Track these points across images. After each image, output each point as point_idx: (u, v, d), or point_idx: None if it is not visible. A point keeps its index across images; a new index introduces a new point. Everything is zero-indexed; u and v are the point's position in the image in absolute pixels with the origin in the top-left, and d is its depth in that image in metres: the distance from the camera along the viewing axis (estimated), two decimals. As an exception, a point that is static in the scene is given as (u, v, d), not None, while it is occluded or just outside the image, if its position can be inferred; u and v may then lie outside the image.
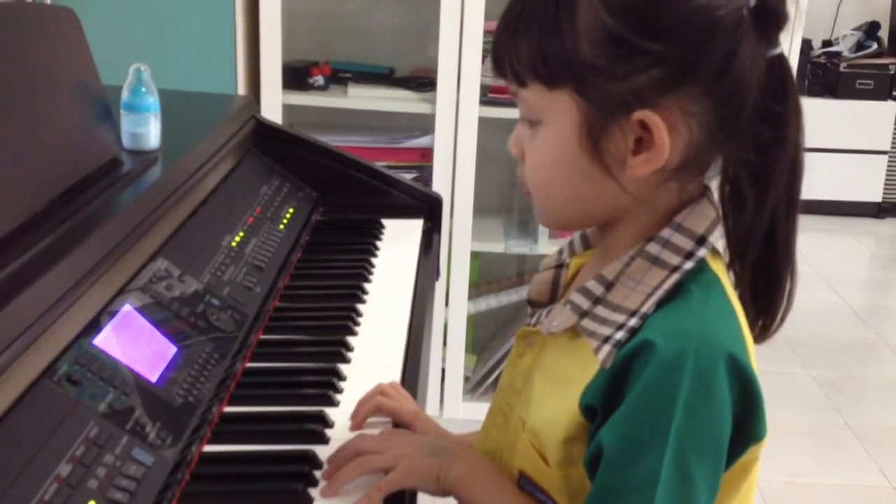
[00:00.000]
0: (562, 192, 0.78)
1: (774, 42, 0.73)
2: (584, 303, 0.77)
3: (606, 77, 0.71)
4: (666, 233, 0.76)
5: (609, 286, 0.76)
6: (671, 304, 0.74)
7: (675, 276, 0.74)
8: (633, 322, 0.74)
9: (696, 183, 0.76)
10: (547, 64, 0.73)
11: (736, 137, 0.73)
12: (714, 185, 0.79)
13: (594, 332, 0.75)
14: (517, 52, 0.74)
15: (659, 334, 0.71)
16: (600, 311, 0.76)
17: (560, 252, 0.90)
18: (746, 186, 0.76)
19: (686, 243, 0.75)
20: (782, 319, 0.82)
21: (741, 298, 0.78)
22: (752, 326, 0.78)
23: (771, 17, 0.72)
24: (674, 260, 0.75)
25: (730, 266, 0.79)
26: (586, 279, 0.79)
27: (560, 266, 0.89)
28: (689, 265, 0.75)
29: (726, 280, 0.78)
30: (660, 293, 0.74)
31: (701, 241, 0.75)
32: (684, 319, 0.72)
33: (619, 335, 0.73)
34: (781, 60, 0.74)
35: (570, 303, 0.78)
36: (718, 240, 0.77)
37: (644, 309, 0.74)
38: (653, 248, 0.75)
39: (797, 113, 0.76)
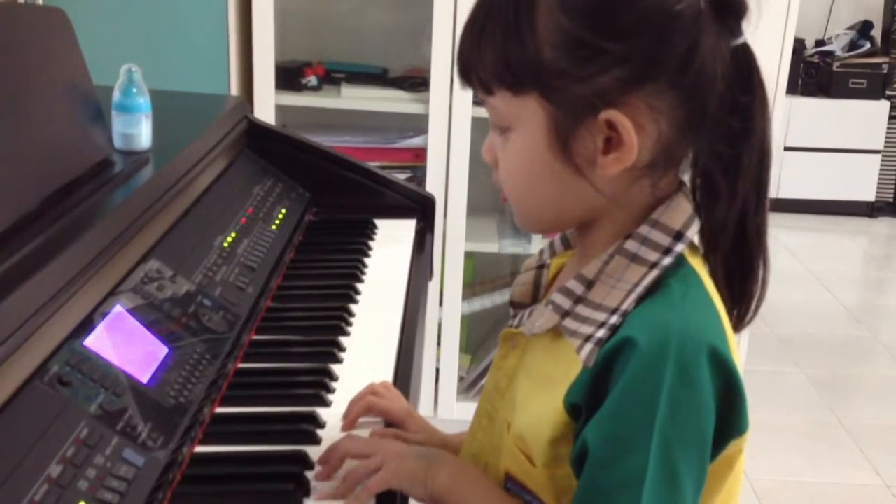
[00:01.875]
0: (536, 196, 0.78)
1: (737, 32, 0.73)
2: (566, 302, 0.77)
3: (570, 80, 0.71)
4: (643, 229, 0.76)
5: (589, 285, 0.76)
6: (651, 299, 0.74)
7: (655, 272, 0.74)
8: (613, 319, 0.74)
9: (670, 178, 0.77)
10: (511, 70, 0.73)
11: (705, 130, 0.73)
12: (686, 178, 0.79)
13: (576, 331, 0.75)
14: (482, 60, 0.75)
15: (640, 330, 0.71)
16: (581, 310, 0.76)
17: (541, 253, 0.91)
18: (719, 178, 0.76)
19: (664, 239, 0.75)
20: (757, 309, 0.82)
21: (716, 289, 0.78)
22: (727, 317, 0.78)
23: (730, 7, 0.72)
24: (652, 256, 0.75)
25: (705, 258, 0.79)
26: (567, 279, 0.79)
27: (541, 267, 0.89)
28: (667, 261, 0.75)
29: (705, 274, 0.78)
30: (640, 290, 0.74)
31: (678, 236, 0.75)
32: (665, 315, 0.72)
33: (601, 333, 0.74)
34: (746, 50, 0.74)
35: (551, 303, 0.78)
36: (695, 235, 0.77)
37: (624, 306, 0.74)
38: (631, 245, 0.76)
39: (763, 102, 0.76)
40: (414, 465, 0.85)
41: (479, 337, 2.63)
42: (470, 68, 0.76)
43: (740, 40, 0.74)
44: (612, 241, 0.77)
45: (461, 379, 2.53)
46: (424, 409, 2.44)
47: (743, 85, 0.74)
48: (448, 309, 2.42)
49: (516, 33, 0.72)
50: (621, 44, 0.70)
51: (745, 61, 0.74)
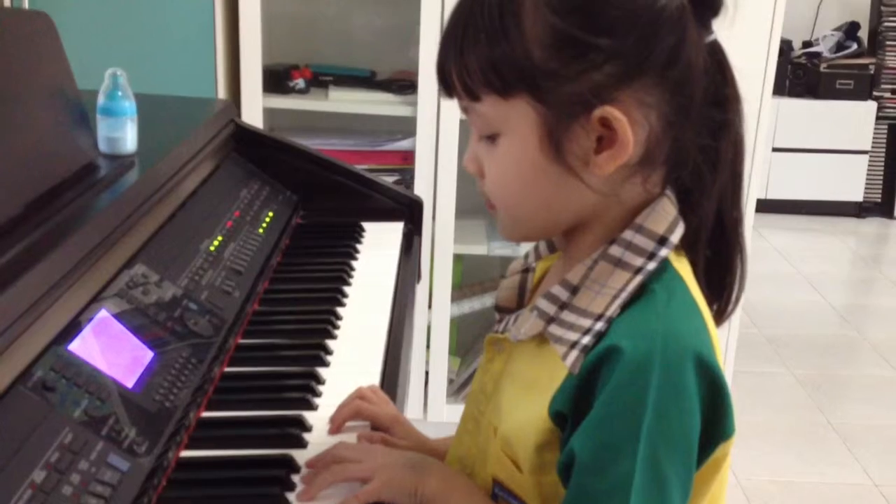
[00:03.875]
0: (529, 202, 0.77)
1: (710, 28, 0.75)
2: (551, 308, 0.77)
3: (562, 78, 0.71)
4: (628, 234, 0.76)
5: (574, 290, 0.76)
6: (636, 305, 0.74)
7: (639, 278, 0.74)
8: (599, 326, 0.73)
9: (658, 175, 0.76)
10: (499, 73, 0.73)
11: (691, 123, 0.74)
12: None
13: (561, 337, 0.75)
14: (466, 67, 0.74)
15: (625, 338, 0.71)
16: (567, 316, 0.76)
17: (526, 257, 0.90)
18: (705, 171, 0.76)
19: (647, 244, 0.75)
20: (736, 301, 0.83)
21: (697, 285, 0.78)
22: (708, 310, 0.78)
23: (709, 5, 0.73)
24: (636, 261, 0.75)
25: (687, 254, 0.79)
26: (552, 284, 0.78)
27: (526, 271, 0.89)
28: (651, 266, 0.75)
29: (690, 278, 0.78)
30: (624, 295, 0.74)
31: (662, 241, 0.75)
32: (649, 321, 0.72)
33: (586, 340, 0.73)
34: (717, 46, 0.76)
35: (536, 309, 0.78)
36: (679, 239, 0.77)
37: (609, 312, 0.74)
38: (615, 250, 0.75)
39: (737, 95, 0.77)
40: (403, 474, 0.85)
41: (468, 339, 2.63)
42: (454, 76, 0.75)
43: (712, 36, 0.75)
44: (598, 245, 0.77)
45: (450, 381, 2.53)
46: (414, 411, 2.44)
47: (717, 79, 0.75)
48: (437, 311, 2.42)
49: (503, 35, 0.72)
50: (611, 39, 0.70)
51: (718, 56, 0.76)
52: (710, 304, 0.80)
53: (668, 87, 0.72)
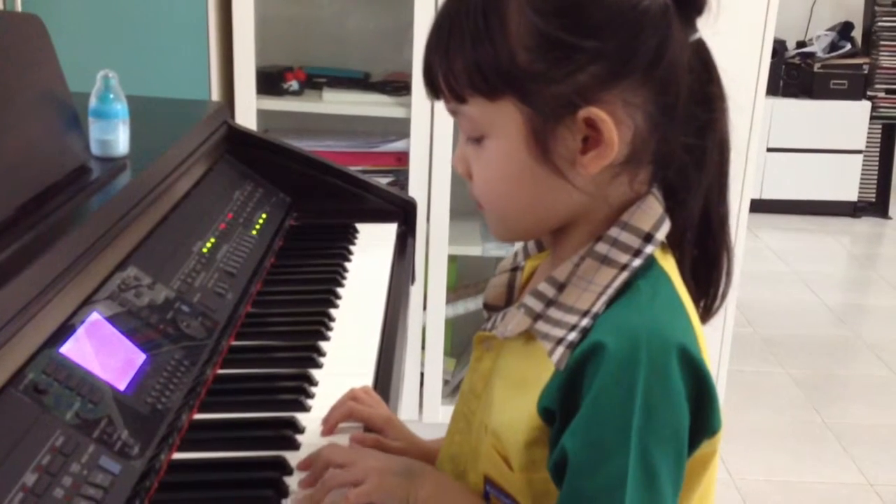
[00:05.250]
0: (516, 202, 0.78)
1: (695, 27, 0.75)
2: (537, 305, 0.77)
3: (547, 81, 0.71)
4: (613, 231, 0.76)
5: (561, 287, 0.76)
6: (620, 302, 0.74)
7: (625, 274, 0.75)
8: (584, 322, 0.74)
9: (645, 174, 0.77)
10: (484, 76, 0.73)
11: (676, 122, 0.74)
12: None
13: (548, 334, 0.75)
14: (452, 69, 0.74)
15: (609, 335, 0.71)
16: (553, 312, 0.76)
17: (515, 255, 0.91)
18: (691, 170, 0.76)
19: (633, 241, 0.75)
20: (723, 298, 0.83)
21: (683, 282, 0.79)
22: (694, 308, 0.78)
23: (693, 4, 0.74)
24: (622, 258, 0.75)
25: (673, 251, 0.79)
26: (539, 281, 0.79)
27: (515, 269, 0.89)
28: (637, 262, 0.75)
29: (675, 275, 0.78)
30: (610, 292, 0.74)
31: (648, 238, 0.75)
32: (633, 317, 0.72)
33: (572, 336, 0.74)
34: (701, 44, 0.76)
35: (523, 306, 0.78)
36: (665, 236, 0.77)
37: (595, 308, 0.74)
38: (602, 247, 0.76)
39: (722, 94, 0.78)
40: (395, 480, 0.84)
41: (463, 340, 2.63)
42: (440, 78, 0.76)
43: (697, 35, 0.75)
44: (585, 243, 0.77)
45: (446, 382, 2.53)
46: (409, 412, 2.44)
47: (702, 78, 0.76)
48: (432, 313, 2.42)
49: (487, 38, 0.72)
50: (596, 41, 0.71)
51: (703, 55, 0.76)
52: (697, 300, 0.81)
53: (654, 86, 0.72)
